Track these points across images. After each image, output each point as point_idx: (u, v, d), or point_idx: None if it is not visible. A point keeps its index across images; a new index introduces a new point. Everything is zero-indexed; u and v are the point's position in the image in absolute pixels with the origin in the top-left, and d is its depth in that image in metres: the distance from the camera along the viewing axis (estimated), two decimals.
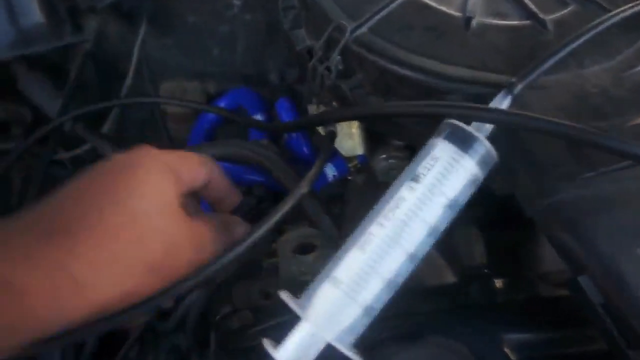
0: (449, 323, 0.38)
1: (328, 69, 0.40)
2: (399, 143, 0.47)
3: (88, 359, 0.42)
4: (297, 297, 0.32)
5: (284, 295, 0.31)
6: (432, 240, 0.32)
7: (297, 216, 0.43)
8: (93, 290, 0.28)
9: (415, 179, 0.31)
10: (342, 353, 0.30)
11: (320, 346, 0.30)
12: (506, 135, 0.33)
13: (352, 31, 0.39)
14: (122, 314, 0.29)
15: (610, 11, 0.37)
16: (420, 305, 0.40)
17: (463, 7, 0.40)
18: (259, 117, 0.58)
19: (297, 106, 0.57)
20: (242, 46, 0.59)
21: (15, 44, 0.54)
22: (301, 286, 0.32)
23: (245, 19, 0.58)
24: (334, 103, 0.45)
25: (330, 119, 0.44)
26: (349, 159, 0.49)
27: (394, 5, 0.40)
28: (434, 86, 0.37)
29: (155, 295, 0.30)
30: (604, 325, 0.29)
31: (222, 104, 0.58)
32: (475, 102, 0.34)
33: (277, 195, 0.48)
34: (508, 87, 0.33)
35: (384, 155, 0.47)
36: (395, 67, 0.37)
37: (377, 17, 0.40)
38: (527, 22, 0.40)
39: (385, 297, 0.31)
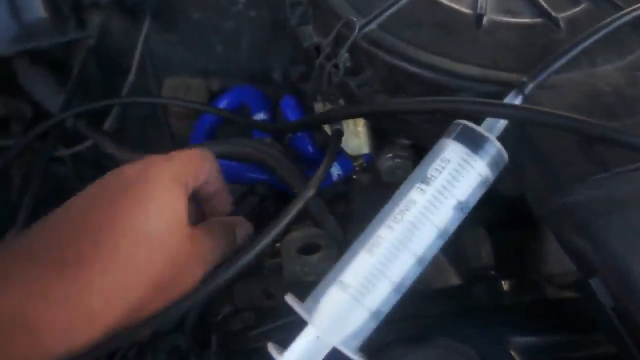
0: (455, 325, 0.38)
1: (336, 66, 0.39)
2: (404, 142, 0.47)
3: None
4: (301, 299, 0.31)
5: (290, 299, 0.31)
6: (441, 243, 0.31)
7: (301, 216, 0.43)
8: (105, 317, 0.28)
9: (425, 181, 0.31)
10: (348, 356, 0.29)
11: (326, 351, 0.30)
12: (515, 135, 0.33)
13: (361, 28, 0.39)
14: (128, 334, 0.29)
15: (622, 9, 0.37)
16: (427, 308, 0.39)
17: (474, 4, 0.40)
18: (262, 115, 0.57)
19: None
20: (247, 43, 0.59)
21: (18, 39, 0.54)
22: (305, 287, 0.32)
23: (250, 16, 0.58)
24: (340, 101, 0.44)
25: (337, 117, 0.43)
26: (355, 157, 0.49)
27: (403, 1, 0.40)
28: (444, 84, 0.36)
29: (158, 314, 0.30)
30: (614, 329, 0.29)
31: (225, 102, 0.58)
32: None
33: (280, 193, 0.48)
34: (519, 86, 0.33)
35: (389, 155, 0.47)
36: (404, 64, 0.37)
37: (387, 13, 0.39)
38: (539, 20, 0.39)
39: (393, 301, 0.31)
